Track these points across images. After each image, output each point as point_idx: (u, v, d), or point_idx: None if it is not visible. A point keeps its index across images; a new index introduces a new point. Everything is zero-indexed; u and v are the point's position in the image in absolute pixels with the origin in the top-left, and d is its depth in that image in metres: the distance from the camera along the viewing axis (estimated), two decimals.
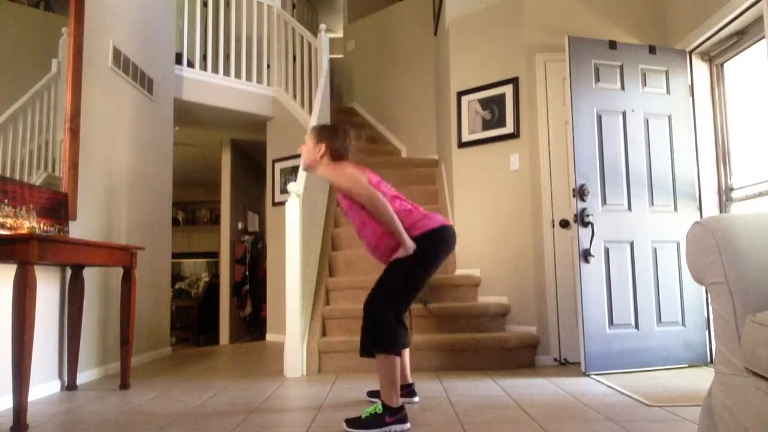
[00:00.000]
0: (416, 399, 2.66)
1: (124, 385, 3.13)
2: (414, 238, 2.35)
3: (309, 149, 2.55)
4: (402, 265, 2.36)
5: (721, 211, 3.54)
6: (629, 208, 3.47)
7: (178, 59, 5.14)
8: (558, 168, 3.84)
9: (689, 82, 3.66)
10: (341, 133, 2.55)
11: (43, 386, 2.99)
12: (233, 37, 5.54)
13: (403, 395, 2.60)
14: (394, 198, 2.46)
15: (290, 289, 3.54)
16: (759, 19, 3.08)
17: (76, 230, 3.30)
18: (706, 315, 3.50)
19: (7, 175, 2.71)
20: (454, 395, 2.78)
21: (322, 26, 5.60)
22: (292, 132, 5.63)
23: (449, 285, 4.07)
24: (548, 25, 3.96)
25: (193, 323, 6.62)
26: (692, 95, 3.66)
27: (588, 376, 3.22)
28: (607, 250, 3.39)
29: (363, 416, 2.21)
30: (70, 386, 3.14)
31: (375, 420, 2.18)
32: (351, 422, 2.19)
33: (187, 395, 2.93)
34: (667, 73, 3.62)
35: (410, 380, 2.68)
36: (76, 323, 3.15)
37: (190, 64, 5.38)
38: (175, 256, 8.22)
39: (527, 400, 2.63)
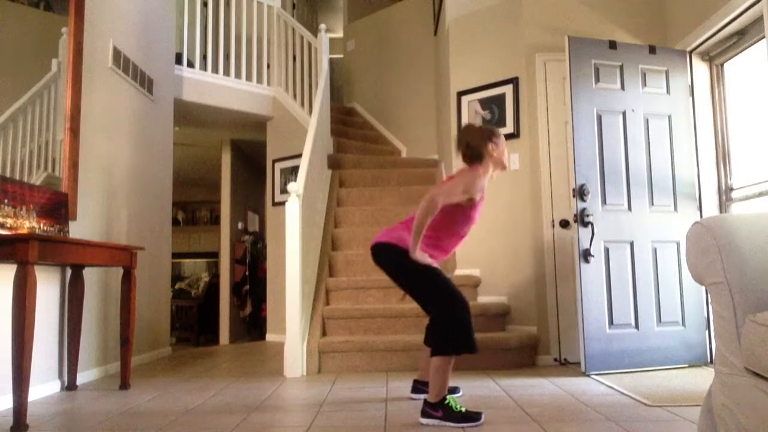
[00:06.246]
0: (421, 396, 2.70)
1: (124, 385, 3.13)
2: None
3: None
4: (415, 268, 2.42)
5: (721, 211, 3.54)
6: (629, 208, 3.47)
7: (178, 59, 5.14)
8: (558, 168, 3.84)
9: (689, 82, 3.66)
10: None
11: (43, 386, 2.99)
12: (233, 37, 5.54)
13: (416, 390, 2.73)
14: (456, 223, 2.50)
15: (290, 289, 3.55)
16: (759, 19, 3.08)
17: (76, 230, 3.30)
18: (706, 315, 3.50)
19: (7, 175, 2.71)
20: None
21: (322, 26, 5.60)
22: (292, 132, 5.62)
23: None
24: (548, 25, 3.96)
25: (193, 323, 6.61)
26: (692, 95, 3.66)
27: (588, 376, 3.22)
28: (607, 250, 3.39)
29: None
30: (70, 386, 3.14)
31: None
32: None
33: (187, 395, 2.93)
34: (667, 73, 3.62)
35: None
36: (76, 323, 3.15)
37: (190, 64, 5.38)
38: (175, 256, 8.21)
39: (527, 400, 2.63)
